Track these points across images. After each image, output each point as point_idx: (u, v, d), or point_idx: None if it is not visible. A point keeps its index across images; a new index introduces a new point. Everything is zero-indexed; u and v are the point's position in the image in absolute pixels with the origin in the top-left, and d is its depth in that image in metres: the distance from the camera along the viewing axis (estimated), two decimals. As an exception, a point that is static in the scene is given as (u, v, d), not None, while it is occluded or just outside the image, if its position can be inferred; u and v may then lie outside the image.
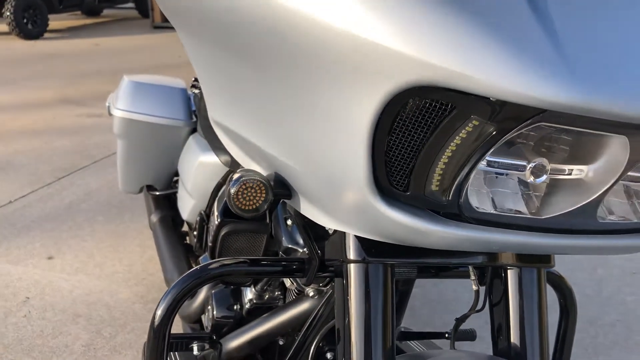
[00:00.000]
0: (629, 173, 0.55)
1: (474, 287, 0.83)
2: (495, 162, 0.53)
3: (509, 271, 0.78)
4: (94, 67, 6.00)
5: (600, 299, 1.89)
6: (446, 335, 1.10)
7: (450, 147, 0.51)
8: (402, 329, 1.22)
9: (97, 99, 4.62)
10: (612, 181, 0.54)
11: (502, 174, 0.55)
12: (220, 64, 0.71)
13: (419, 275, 0.88)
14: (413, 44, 0.45)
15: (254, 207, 0.71)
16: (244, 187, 0.69)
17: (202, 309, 1.26)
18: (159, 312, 0.78)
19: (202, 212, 1.38)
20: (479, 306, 0.83)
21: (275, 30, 0.54)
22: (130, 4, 10.08)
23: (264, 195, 0.70)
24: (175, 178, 1.81)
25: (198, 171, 1.36)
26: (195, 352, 0.98)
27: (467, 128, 0.49)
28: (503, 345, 0.80)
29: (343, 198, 0.59)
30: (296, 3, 0.51)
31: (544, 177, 0.54)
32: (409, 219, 0.55)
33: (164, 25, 8.63)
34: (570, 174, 0.55)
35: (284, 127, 0.63)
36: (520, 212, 0.56)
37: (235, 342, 1.04)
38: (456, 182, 0.53)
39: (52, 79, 5.37)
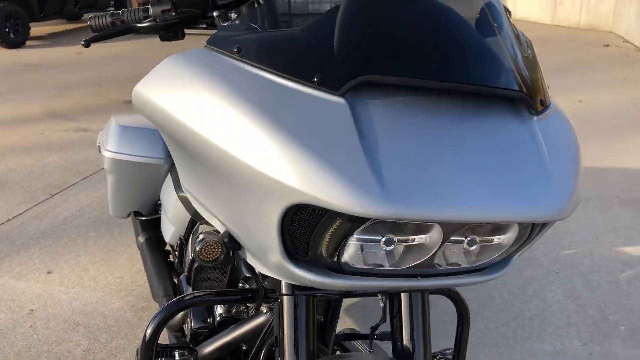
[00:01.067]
0: (452, 238, 0.85)
1: (381, 304, 1.15)
2: (360, 237, 0.83)
3: (402, 293, 1.09)
4: (79, 77, 6.23)
5: (524, 297, 2.22)
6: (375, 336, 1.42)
7: (328, 233, 0.81)
8: (348, 331, 1.53)
9: (83, 112, 4.87)
10: (438, 246, 0.84)
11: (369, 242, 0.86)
12: (184, 156, 1.00)
13: (342, 296, 1.19)
14: (289, 178, 0.75)
15: (213, 258, 1.01)
16: (205, 245, 0.99)
17: (183, 321, 1.56)
18: (149, 330, 1.08)
19: (182, 237, 1.67)
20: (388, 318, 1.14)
21: (215, 158, 0.84)
22: (111, 9, 10.25)
23: (219, 250, 1.00)
24: (159, 203, 2.09)
25: (177, 204, 1.64)
26: (177, 358, 1.27)
27: (335, 224, 0.79)
28: (399, 348, 1.11)
29: (268, 259, 0.89)
30: (224, 145, 0.80)
31: (392, 247, 0.84)
32: (308, 275, 0.85)
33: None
34: (413, 241, 0.85)
35: (229, 208, 0.93)
36: (382, 266, 0.86)
37: (208, 348, 1.34)
38: (337, 251, 0.83)
39: (37, 92, 5.59)
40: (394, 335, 1.13)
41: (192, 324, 1.45)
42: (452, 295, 1.27)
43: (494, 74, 0.86)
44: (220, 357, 1.37)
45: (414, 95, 0.84)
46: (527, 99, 0.88)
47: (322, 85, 0.80)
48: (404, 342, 1.10)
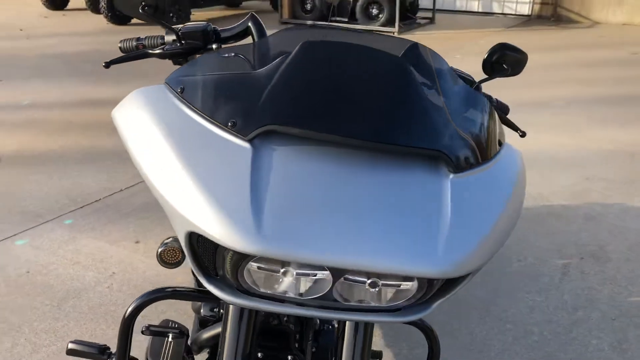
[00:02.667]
0: (353, 277, 0.92)
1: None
2: (260, 265, 0.93)
3: (346, 322, 1.17)
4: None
5: (566, 338, 2.13)
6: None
7: (228, 257, 0.92)
8: None
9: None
10: (331, 284, 0.92)
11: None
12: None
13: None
14: (184, 209, 0.87)
15: (174, 262, 1.17)
16: (165, 249, 1.16)
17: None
18: (127, 312, 1.27)
19: None
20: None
21: (148, 183, 0.97)
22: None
23: (179, 256, 1.16)
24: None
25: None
26: (170, 339, 1.46)
27: (230, 253, 0.90)
28: None
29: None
30: (149, 174, 0.93)
31: (291, 278, 0.93)
32: (218, 291, 0.97)
33: (292, 21, 9.26)
34: (308, 276, 0.93)
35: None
36: (287, 293, 0.96)
37: (202, 335, 1.51)
38: (236, 274, 0.94)
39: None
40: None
41: (202, 311, 1.63)
42: (423, 328, 1.32)
43: (404, 131, 0.91)
44: (212, 346, 1.53)
45: (324, 146, 0.92)
46: (443, 156, 0.92)
47: (233, 130, 0.92)
48: None
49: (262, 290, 0.96)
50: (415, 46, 1.07)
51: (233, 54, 1.09)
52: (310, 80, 0.94)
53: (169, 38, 1.29)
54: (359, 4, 8.65)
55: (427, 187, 0.91)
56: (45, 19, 9.71)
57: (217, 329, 1.50)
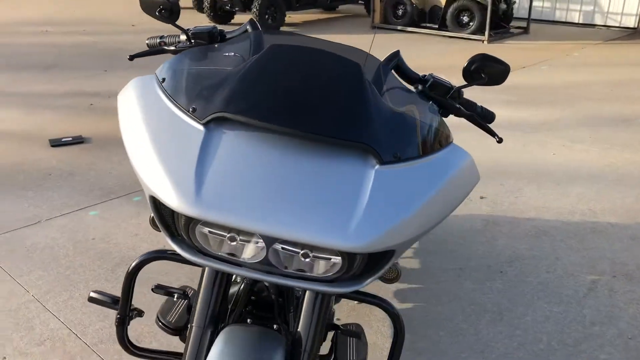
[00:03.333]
0: (288, 247, 1.08)
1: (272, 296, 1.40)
2: (210, 229, 1.10)
3: (306, 292, 1.32)
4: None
5: (573, 350, 2.13)
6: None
7: (181, 219, 1.10)
8: None
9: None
10: (265, 250, 1.08)
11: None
12: None
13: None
14: (144, 176, 1.05)
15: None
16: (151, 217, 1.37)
17: None
18: (131, 267, 1.48)
19: None
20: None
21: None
22: (362, 2, 11.07)
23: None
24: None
25: None
26: (175, 298, 1.68)
27: (180, 215, 1.09)
28: (289, 340, 1.31)
29: None
30: (128, 149, 1.14)
31: (235, 243, 1.10)
32: (179, 250, 1.16)
33: (383, 26, 9.40)
34: (250, 242, 1.09)
35: None
36: (234, 256, 1.13)
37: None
38: (188, 235, 1.12)
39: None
40: (290, 328, 1.34)
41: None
42: (387, 309, 1.44)
43: (335, 125, 1.06)
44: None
45: (268, 134, 1.09)
46: (371, 149, 1.06)
47: (193, 114, 1.11)
48: (295, 336, 1.31)
49: (213, 251, 1.14)
50: (367, 56, 1.21)
51: (215, 51, 1.28)
52: (265, 77, 1.11)
53: (183, 38, 1.51)
54: (449, 11, 8.63)
55: (352, 174, 1.04)
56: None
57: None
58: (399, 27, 9.25)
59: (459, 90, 1.46)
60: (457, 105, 1.49)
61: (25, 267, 2.63)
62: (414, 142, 1.12)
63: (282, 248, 1.08)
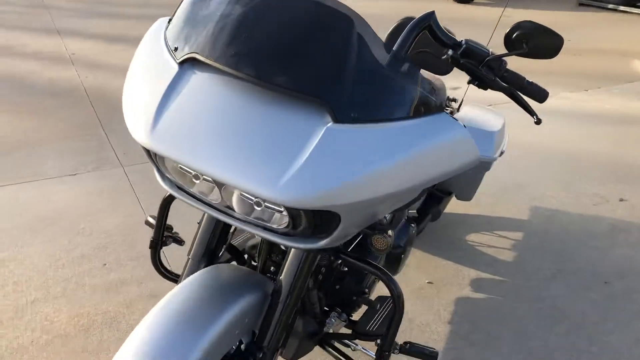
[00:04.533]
0: (243, 194, 1.12)
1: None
2: (180, 166, 1.17)
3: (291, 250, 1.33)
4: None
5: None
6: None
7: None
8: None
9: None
10: (217, 190, 1.13)
11: None
12: None
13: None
14: (125, 111, 1.16)
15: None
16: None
17: None
18: (166, 194, 1.60)
19: None
20: None
21: None
22: None
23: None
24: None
25: None
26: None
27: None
28: (273, 292, 1.34)
29: None
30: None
31: (198, 181, 1.15)
32: (162, 183, 1.25)
33: (591, 3, 8.49)
34: (209, 181, 1.14)
35: None
36: (205, 195, 1.20)
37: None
38: (160, 169, 1.21)
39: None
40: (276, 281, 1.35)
41: None
42: (388, 284, 1.41)
43: (294, 76, 1.02)
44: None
45: (233, 79, 1.09)
46: (327, 106, 1.01)
47: (174, 53, 1.15)
48: (276, 286, 1.34)
49: (186, 187, 1.20)
50: (353, 13, 1.13)
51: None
52: (244, 23, 1.09)
53: None
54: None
55: (302, 128, 1.00)
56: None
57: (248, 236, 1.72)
58: (610, 6, 8.28)
59: (498, 59, 1.31)
60: (493, 77, 1.34)
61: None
62: (383, 104, 1.04)
63: (241, 194, 1.13)
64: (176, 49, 1.15)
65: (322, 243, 1.15)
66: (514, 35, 1.30)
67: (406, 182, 1.07)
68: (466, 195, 2.46)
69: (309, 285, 1.48)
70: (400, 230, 1.86)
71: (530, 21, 1.30)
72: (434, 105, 1.12)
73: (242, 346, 1.32)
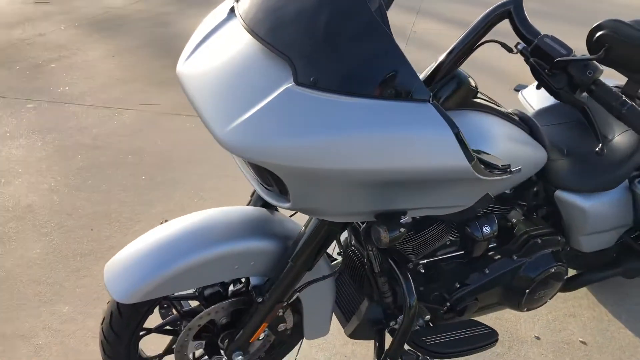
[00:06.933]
0: None
1: None
2: None
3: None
4: None
5: None
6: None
7: None
8: None
9: None
10: None
11: None
12: None
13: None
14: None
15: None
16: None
17: None
18: None
19: None
20: None
21: None
22: None
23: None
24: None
25: None
26: None
27: None
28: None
29: None
30: None
31: None
32: None
33: None
34: None
35: None
36: None
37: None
38: None
39: None
40: None
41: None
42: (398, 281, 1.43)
43: (280, 36, 1.06)
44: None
45: (243, 30, 1.16)
46: (292, 66, 1.01)
47: (233, 5, 1.25)
48: (291, 249, 1.43)
49: None
50: None
51: None
52: None
53: None
54: None
55: (268, 82, 1.03)
56: None
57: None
58: None
59: (580, 63, 1.06)
60: (557, 88, 1.11)
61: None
62: (350, 78, 1.01)
63: None
64: (237, 1, 1.25)
65: (285, 205, 1.15)
66: (595, 36, 1.10)
67: (360, 163, 1.00)
68: None
69: (376, 270, 1.52)
70: (536, 261, 1.66)
71: (615, 20, 1.08)
72: (417, 93, 1.03)
73: (250, 286, 1.50)
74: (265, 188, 1.22)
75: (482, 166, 1.12)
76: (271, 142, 0.98)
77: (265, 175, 1.15)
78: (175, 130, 3.46)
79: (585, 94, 1.12)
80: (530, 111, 2.05)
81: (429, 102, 1.03)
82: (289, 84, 1.00)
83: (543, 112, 1.92)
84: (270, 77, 1.03)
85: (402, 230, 1.22)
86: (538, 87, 1.16)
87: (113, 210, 2.71)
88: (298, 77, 1.00)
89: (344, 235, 1.74)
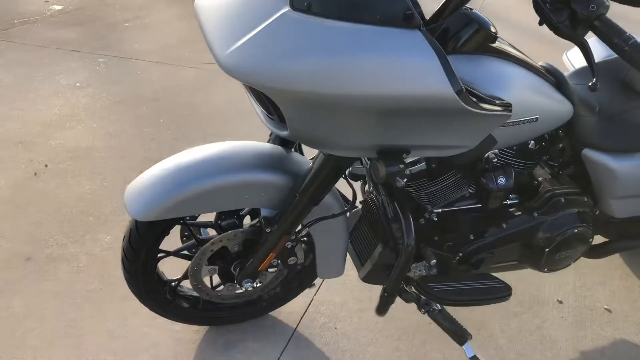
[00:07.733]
0: None
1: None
2: None
3: None
4: None
5: None
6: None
7: None
8: None
9: None
10: None
11: None
12: None
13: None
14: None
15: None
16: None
17: None
18: None
19: None
20: None
21: None
22: None
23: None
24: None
25: None
26: None
27: None
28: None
29: None
30: None
31: None
32: None
33: None
34: None
35: None
36: None
37: None
38: None
39: None
40: None
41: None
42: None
43: None
44: None
45: None
46: None
47: None
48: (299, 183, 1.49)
49: None
50: None
51: None
52: None
53: None
54: None
55: (267, 8, 1.07)
56: None
57: None
58: None
59: None
60: (557, 22, 1.11)
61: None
62: (347, 3, 1.04)
63: None
64: None
65: (284, 133, 1.20)
66: None
67: (348, 88, 1.02)
68: None
69: (390, 216, 1.53)
70: (558, 220, 1.62)
71: None
72: (408, 20, 1.05)
73: (260, 217, 1.59)
74: (269, 117, 1.27)
75: (473, 99, 1.12)
76: (265, 64, 1.01)
77: (265, 102, 1.20)
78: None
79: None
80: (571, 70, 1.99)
81: (419, 29, 1.05)
82: (286, 8, 1.05)
83: (581, 71, 1.86)
84: (270, 2, 1.08)
85: (401, 166, 1.25)
86: (540, 23, 1.14)
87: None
88: (294, 2, 1.05)
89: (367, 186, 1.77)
